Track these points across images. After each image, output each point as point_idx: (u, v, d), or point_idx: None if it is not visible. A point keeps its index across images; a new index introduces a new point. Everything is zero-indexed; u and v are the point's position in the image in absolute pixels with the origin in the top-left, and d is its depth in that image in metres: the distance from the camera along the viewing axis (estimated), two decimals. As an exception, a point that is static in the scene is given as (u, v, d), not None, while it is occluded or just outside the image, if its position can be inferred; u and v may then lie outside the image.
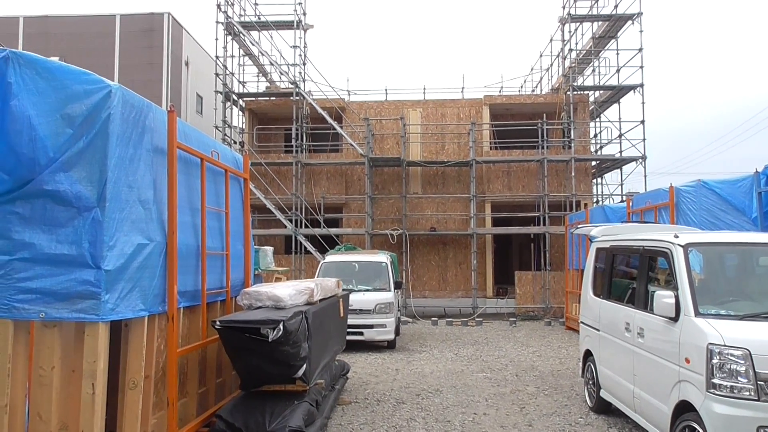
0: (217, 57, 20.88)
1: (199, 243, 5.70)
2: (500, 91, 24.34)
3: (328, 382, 7.09)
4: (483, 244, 21.11)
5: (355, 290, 12.18)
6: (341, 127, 20.55)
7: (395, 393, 8.65)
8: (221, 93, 20.79)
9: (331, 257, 14.06)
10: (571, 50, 21.58)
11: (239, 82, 21.88)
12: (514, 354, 12.22)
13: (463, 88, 23.38)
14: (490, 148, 21.75)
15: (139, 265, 4.69)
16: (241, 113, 22.64)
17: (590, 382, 7.58)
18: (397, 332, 13.38)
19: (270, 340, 5.00)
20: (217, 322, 5.20)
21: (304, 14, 20.86)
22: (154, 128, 5.04)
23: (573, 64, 21.31)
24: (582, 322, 7.97)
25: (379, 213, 21.15)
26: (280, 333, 5.01)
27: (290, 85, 20.69)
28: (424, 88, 23.02)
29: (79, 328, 4.33)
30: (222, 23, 20.63)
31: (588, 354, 7.68)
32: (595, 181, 23.32)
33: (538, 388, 8.94)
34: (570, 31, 21.56)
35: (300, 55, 20.60)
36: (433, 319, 18.09)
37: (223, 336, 5.32)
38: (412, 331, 16.10)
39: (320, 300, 6.76)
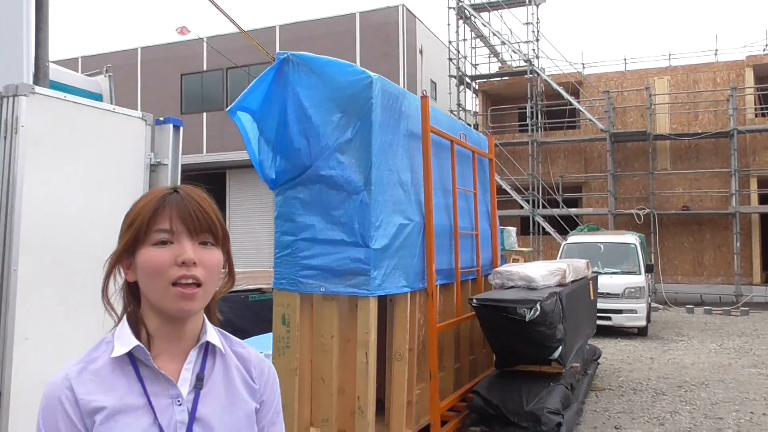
0: (450, 42, 21.28)
1: (452, 223, 5.85)
2: (765, 50, 21.19)
3: (581, 366, 6.84)
4: (747, 224, 18.68)
5: (600, 273, 11.59)
6: (578, 102, 19.64)
7: (653, 383, 8.06)
8: (455, 77, 21.16)
9: (574, 238, 13.56)
10: None
11: (471, 64, 22.06)
12: (795, 349, 10.64)
13: (717, 49, 20.81)
14: (755, 116, 19.09)
15: (401, 244, 4.94)
16: (474, 96, 22.84)
17: None
18: (648, 319, 12.47)
19: (527, 319, 4.95)
20: (474, 300, 5.30)
21: (537, -11, 20.28)
22: (409, 114, 5.26)
23: None
24: None
25: (622, 191, 19.85)
26: (537, 313, 4.93)
27: (523, 63, 20.32)
28: (670, 54, 20.96)
29: (352, 301, 4.71)
30: (453, 8, 20.94)
31: None
32: None
33: (832, 390, 7.67)
34: None
35: (533, 32, 20.12)
36: (687, 306, 16.54)
37: (479, 314, 5.41)
38: (664, 318, 14.90)
39: (572, 281, 6.53)
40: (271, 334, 4.92)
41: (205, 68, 23.31)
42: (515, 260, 11.75)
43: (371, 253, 4.61)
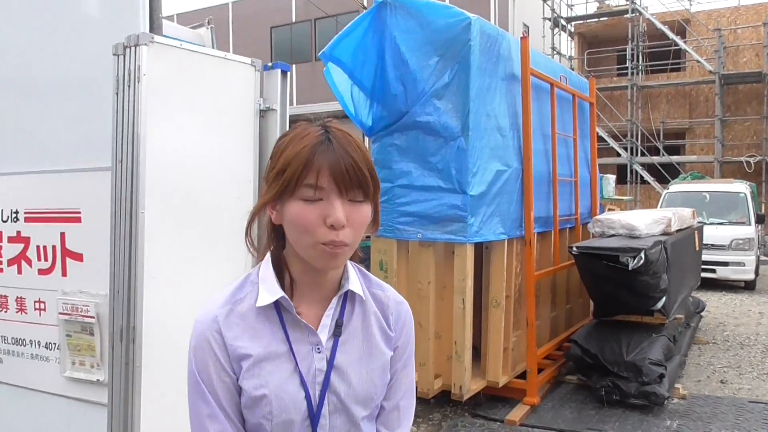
0: (544, -18, 20.29)
1: (550, 169, 5.68)
2: None
3: (684, 319, 6.59)
4: None
5: (705, 223, 10.99)
6: (685, 43, 18.34)
7: (762, 338, 7.66)
8: (549, 19, 20.23)
9: (677, 186, 12.89)
10: None
11: (567, 5, 21.00)
12: None
13: None
14: None
15: (498, 190, 4.87)
16: (569, 38, 21.80)
17: None
18: (756, 272, 11.79)
19: (630, 268, 4.79)
20: (574, 248, 5.18)
21: None
22: (508, 56, 5.09)
23: None
24: None
25: (730, 138, 18.57)
26: (641, 262, 4.76)
27: (624, 2, 19.11)
28: (793, -16, 19.03)
29: (449, 248, 4.72)
30: (549, -55, 19.88)
31: None
32: None
33: None
34: None
35: (635, -33, 18.80)
36: (801, 259, 15.46)
37: (579, 262, 5.29)
38: (774, 271, 14.03)
39: (677, 231, 6.24)
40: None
41: (293, 20, 23.47)
42: (610, 210, 11.34)
43: (468, 200, 4.57)
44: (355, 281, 1.24)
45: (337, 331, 1.21)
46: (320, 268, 1.16)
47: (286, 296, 1.18)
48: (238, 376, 1.16)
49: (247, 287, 1.22)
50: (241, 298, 1.20)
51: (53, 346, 2.73)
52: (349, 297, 1.25)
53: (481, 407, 5.11)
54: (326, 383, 1.18)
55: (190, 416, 1.19)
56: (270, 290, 1.18)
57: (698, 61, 17.91)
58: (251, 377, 1.15)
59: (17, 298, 2.87)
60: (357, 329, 1.24)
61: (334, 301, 1.22)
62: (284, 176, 1.11)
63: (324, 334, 1.20)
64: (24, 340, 2.85)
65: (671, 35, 17.95)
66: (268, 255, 1.23)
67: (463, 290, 4.60)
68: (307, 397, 1.16)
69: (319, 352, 1.19)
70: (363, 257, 1.31)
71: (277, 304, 1.19)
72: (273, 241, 1.23)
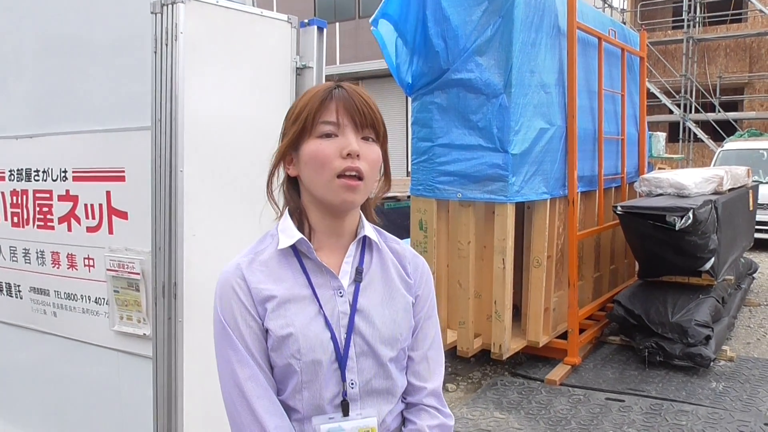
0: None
1: (596, 127, 5.53)
2: None
3: (735, 280, 6.41)
4: None
5: (762, 182, 10.57)
6: (746, -9, 17.36)
7: (819, 301, 7.42)
8: (600, -30, 19.38)
9: (732, 144, 12.40)
10: None
11: (619, -45, 20.05)
12: None
13: None
14: None
15: (541, 149, 4.77)
16: (621, -10, 20.88)
17: None
18: (814, 233, 11.31)
19: (677, 228, 4.66)
20: (619, 207, 5.06)
21: None
22: (554, 10, 4.93)
23: None
24: None
25: (793, 92, 17.66)
26: (689, 222, 4.63)
27: (681, -50, 18.14)
28: None
29: (489, 208, 4.67)
30: None
31: None
32: None
33: None
34: None
35: None
36: None
37: (624, 222, 5.17)
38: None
39: (729, 190, 6.03)
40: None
41: (337, -24, 23.11)
42: (660, 169, 11.00)
43: (509, 159, 4.50)
44: (370, 230, 1.29)
45: (357, 277, 1.25)
46: (338, 205, 1.19)
47: (305, 238, 1.22)
48: (263, 320, 1.20)
49: (267, 240, 1.27)
50: (262, 249, 1.26)
51: (102, 301, 2.83)
52: (366, 246, 1.29)
53: (521, 366, 5.12)
54: (351, 325, 1.21)
55: (219, 366, 1.23)
56: (290, 235, 1.22)
57: (761, 11, 16.95)
58: (276, 317, 1.19)
59: (68, 255, 2.97)
60: (376, 274, 1.28)
61: (352, 248, 1.26)
62: (302, 116, 1.18)
63: (345, 279, 1.24)
64: (75, 295, 2.96)
65: (732, -16, 17.02)
66: (286, 210, 1.28)
67: (504, 250, 4.57)
68: (333, 338, 1.20)
69: (342, 296, 1.22)
70: (380, 221, 1.35)
71: (297, 253, 1.23)
72: (291, 196, 1.27)
